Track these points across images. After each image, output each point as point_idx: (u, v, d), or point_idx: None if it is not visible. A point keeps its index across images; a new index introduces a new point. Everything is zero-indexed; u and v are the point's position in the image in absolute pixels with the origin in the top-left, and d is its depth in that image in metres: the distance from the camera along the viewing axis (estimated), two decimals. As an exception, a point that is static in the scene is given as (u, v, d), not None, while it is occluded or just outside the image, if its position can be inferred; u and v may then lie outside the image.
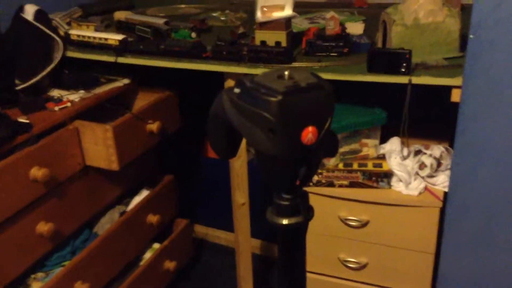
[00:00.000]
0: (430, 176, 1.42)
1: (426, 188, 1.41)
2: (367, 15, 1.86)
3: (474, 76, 1.17)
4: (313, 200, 1.53)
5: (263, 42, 1.48)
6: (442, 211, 1.38)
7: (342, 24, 1.63)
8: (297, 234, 0.47)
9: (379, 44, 1.45)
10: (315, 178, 1.46)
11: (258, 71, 1.41)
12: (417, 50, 1.32)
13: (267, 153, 0.41)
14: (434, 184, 1.42)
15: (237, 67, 1.44)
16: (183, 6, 2.14)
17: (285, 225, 0.46)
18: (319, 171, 1.46)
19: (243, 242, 1.72)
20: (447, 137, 1.54)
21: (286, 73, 0.42)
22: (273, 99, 0.39)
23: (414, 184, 1.41)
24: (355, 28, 1.67)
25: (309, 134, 0.40)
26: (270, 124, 0.39)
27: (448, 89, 1.25)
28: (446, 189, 1.38)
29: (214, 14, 2.00)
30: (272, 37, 1.47)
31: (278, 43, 1.46)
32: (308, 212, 0.46)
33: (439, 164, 1.43)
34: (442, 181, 1.41)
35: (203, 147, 2.24)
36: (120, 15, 1.86)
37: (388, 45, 1.37)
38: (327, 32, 1.57)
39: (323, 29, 1.60)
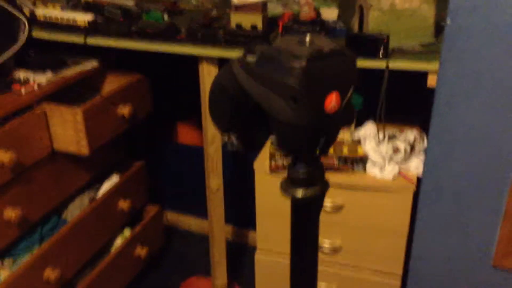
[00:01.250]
0: (404, 160, 1.44)
1: (399, 173, 1.43)
2: (341, 0, 1.86)
3: (450, 62, 1.19)
4: (289, 185, 1.51)
5: (238, 26, 1.45)
6: (415, 195, 1.40)
7: (316, 9, 1.63)
8: (314, 207, 0.46)
9: (356, 29, 1.44)
10: (291, 163, 1.46)
11: (234, 54, 1.39)
12: (393, 35, 1.32)
13: (288, 122, 0.39)
14: (407, 169, 1.44)
15: (213, 50, 1.41)
16: (153, -13, 2.08)
17: (302, 197, 0.44)
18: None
19: (217, 228, 1.71)
20: (421, 122, 1.57)
21: (307, 38, 0.40)
22: (296, 65, 0.36)
23: (388, 169, 1.42)
24: (330, 13, 1.67)
25: (332, 102, 0.38)
26: (292, 92, 0.37)
27: (423, 74, 1.27)
28: (419, 173, 1.41)
29: (186, -4, 1.95)
30: (248, 20, 1.45)
31: (254, 27, 1.44)
32: (325, 184, 0.44)
33: (412, 148, 1.45)
34: (415, 166, 1.43)
35: (174, 133, 2.21)
36: (87, -6, 1.79)
37: (365, 30, 1.38)
38: (302, 17, 1.56)
39: (297, 14, 1.59)
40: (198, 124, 2.22)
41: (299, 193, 0.44)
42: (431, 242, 1.41)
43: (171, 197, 2.23)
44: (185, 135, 2.23)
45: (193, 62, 1.52)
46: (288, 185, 0.44)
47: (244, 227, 2.12)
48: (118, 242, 1.83)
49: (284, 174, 1.45)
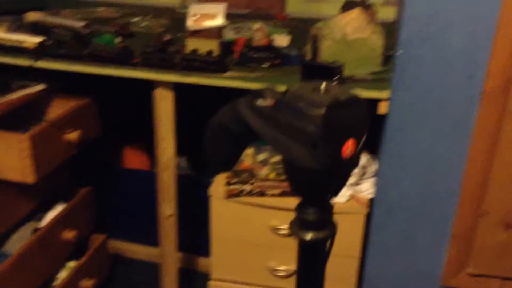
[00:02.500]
0: (356, 183, 1.48)
1: (352, 196, 1.47)
2: (289, 28, 1.91)
3: (401, 90, 1.25)
4: (245, 211, 1.54)
5: (194, 51, 1.46)
6: (367, 217, 1.44)
7: (268, 36, 1.66)
8: (322, 250, 0.45)
9: (308, 57, 1.49)
10: (248, 188, 1.46)
11: (191, 79, 1.39)
12: (345, 64, 1.37)
13: (306, 167, 0.39)
14: (359, 191, 1.48)
15: (169, 75, 1.40)
16: (101, 9, 2.05)
17: (311, 240, 0.44)
18: (252, 181, 1.46)
19: (169, 255, 1.67)
20: (370, 146, 1.62)
21: (323, 86, 0.41)
22: (317, 112, 0.37)
23: (341, 192, 1.46)
24: (282, 40, 1.71)
25: (349, 148, 0.39)
26: (312, 138, 0.38)
27: (372, 101, 1.32)
28: (370, 196, 1.45)
29: (135, 19, 1.94)
30: (204, 46, 1.45)
31: (210, 52, 1.45)
32: (334, 227, 0.45)
33: (363, 171, 1.50)
34: (366, 188, 1.48)
35: (120, 157, 2.15)
36: (33, 16, 1.73)
37: (318, 58, 1.42)
38: (254, 43, 1.59)
39: (250, 40, 1.62)
40: (145, 148, 2.18)
41: (309, 236, 0.44)
42: (382, 264, 1.45)
43: (117, 225, 2.15)
44: (132, 159, 2.17)
45: (141, 85, 1.50)
46: (297, 227, 0.44)
47: (195, 253, 2.08)
48: (63, 274, 1.73)
49: (241, 200, 1.45)
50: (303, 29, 1.89)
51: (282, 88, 0.45)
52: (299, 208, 0.44)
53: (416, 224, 1.35)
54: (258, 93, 0.43)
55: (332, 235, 0.45)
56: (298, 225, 0.44)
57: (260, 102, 0.42)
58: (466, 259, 1.30)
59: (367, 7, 1.80)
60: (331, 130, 0.37)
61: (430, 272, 1.36)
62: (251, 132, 0.44)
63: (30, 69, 1.47)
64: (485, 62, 1.14)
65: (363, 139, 0.40)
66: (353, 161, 0.41)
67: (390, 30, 1.71)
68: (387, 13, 1.98)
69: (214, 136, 0.49)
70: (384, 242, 1.41)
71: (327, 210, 0.44)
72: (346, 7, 1.83)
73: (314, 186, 0.41)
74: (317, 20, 1.87)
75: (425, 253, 1.35)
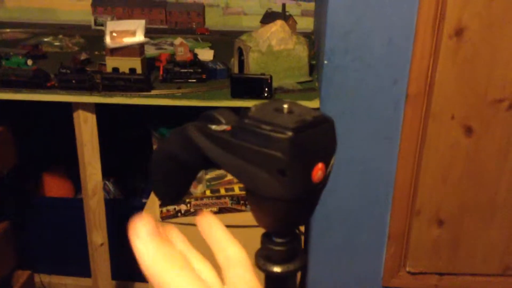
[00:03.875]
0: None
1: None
2: (210, 41, 1.89)
3: (329, 98, 1.27)
4: (182, 231, 1.48)
5: (115, 69, 1.39)
6: (306, 225, 1.45)
7: (191, 50, 1.63)
8: (292, 282, 0.42)
9: (235, 70, 1.47)
10: (183, 208, 1.42)
11: (114, 100, 1.32)
12: (273, 75, 1.37)
13: (273, 196, 0.36)
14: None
15: (90, 96, 1.32)
16: (7, 30, 1.91)
17: (281, 272, 0.41)
18: (187, 200, 1.42)
19: (102, 285, 1.57)
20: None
21: (286, 106, 0.38)
22: (283, 136, 0.34)
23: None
24: (205, 54, 1.69)
25: (319, 171, 0.36)
26: (280, 165, 0.34)
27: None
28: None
29: (46, 39, 1.82)
30: (126, 64, 1.39)
31: (132, 70, 1.39)
32: (303, 257, 0.42)
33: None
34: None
35: (39, 186, 2.01)
36: None
37: (246, 71, 1.41)
38: (178, 58, 1.55)
39: (173, 55, 1.58)
40: (65, 174, 2.06)
41: (278, 269, 0.41)
42: (324, 270, 1.46)
43: (43, 258, 2.01)
44: (52, 187, 2.04)
45: (57, 108, 1.42)
46: (264, 259, 0.41)
47: (129, 280, 1.98)
48: (-16, 319, 1.58)
49: (178, 221, 1.40)
50: (225, 42, 1.88)
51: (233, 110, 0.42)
52: (266, 239, 0.40)
53: (353, 228, 1.37)
54: (210, 117, 0.40)
55: (302, 266, 0.42)
56: (265, 257, 0.41)
57: (215, 127, 0.38)
58: (404, 258, 1.35)
59: (287, 19, 1.83)
60: (300, 155, 0.34)
61: (371, 274, 1.38)
62: (204, 159, 0.40)
63: None
64: (407, 67, 1.18)
65: (333, 160, 0.37)
66: (324, 184, 0.38)
67: (311, 41, 1.74)
68: (305, 24, 2.02)
69: (160, 167, 0.45)
70: (324, 248, 1.42)
71: (296, 239, 0.41)
72: (266, 19, 1.85)
73: (283, 216, 0.38)
74: (237, 33, 1.87)
75: (364, 255, 1.38)
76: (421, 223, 1.29)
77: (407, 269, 1.35)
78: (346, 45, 1.20)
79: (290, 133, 0.33)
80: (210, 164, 0.43)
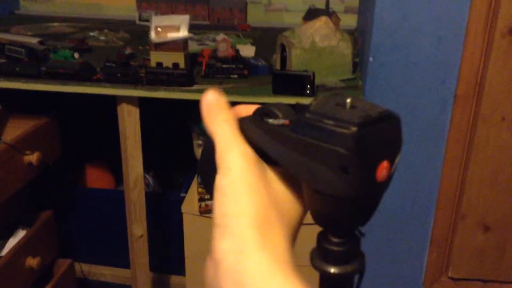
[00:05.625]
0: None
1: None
2: (251, 38, 1.89)
3: (373, 97, 1.24)
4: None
5: (159, 64, 1.41)
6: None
7: (233, 47, 1.63)
8: (347, 285, 0.40)
9: (277, 66, 1.46)
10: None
11: (158, 94, 1.34)
12: (315, 72, 1.36)
13: (334, 194, 0.35)
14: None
15: (135, 90, 1.34)
16: (55, 24, 1.96)
17: (336, 273, 0.39)
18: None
19: (141, 277, 1.60)
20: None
21: (348, 100, 0.36)
22: (348, 131, 0.33)
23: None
24: (247, 50, 1.68)
25: (383, 170, 0.35)
26: (343, 161, 0.33)
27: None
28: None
29: (92, 34, 1.86)
30: (169, 59, 1.40)
31: (175, 65, 1.40)
32: (361, 260, 0.40)
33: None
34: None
35: (81, 177, 2.06)
36: (-19, 33, 1.63)
37: (288, 67, 1.40)
38: (219, 54, 1.55)
39: (215, 51, 1.58)
40: (106, 166, 2.10)
41: (334, 269, 0.39)
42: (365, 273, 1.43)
43: (82, 247, 2.06)
44: (93, 178, 2.08)
45: (101, 101, 1.44)
46: (320, 259, 0.39)
47: (166, 273, 2.00)
48: (27, 304, 1.63)
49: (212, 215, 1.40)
50: (266, 38, 1.88)
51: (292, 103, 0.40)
52: (322, 238, 0.39)
53: (395, 231, 1.34)
54: (266, 111, 0.39)
55: (361, 270, 0.40)
56: (321, 257, 0.39)
57: (272, 121, 0.37)
58: (447, 263, 1.31)
59: (330, 15, 1.80)
60: (364, 152, 0.33)
61: (412, 278, 1.35)
62: (257, 153, 0.39)
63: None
64: (456, 66, 1.14)
65: (398, 158, 0.35)
66: (387, 184, 0.36)
67: (354, 38, 1.71)
68: (348, 21, 1.99)
69: (210, 161, 0.44)
70: (364, 251, 1.40)
71: (355, 240, 0.39)
72: (309, 16, 1.82)
73: (343, 215, 0.37)
74: (279, 29, 1.86)
75: (406, 259, 1.34)
76: (466, 228, 1.25)
77: (449, 274, 1.31)
78: (393, 42, 1.17)
79: (354, 129, 0.32)
80: (264, 159, 0.42)
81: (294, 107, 0.39)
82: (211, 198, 0.45)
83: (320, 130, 0.33)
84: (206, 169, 0.45)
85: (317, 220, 0.38)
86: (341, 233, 0.38)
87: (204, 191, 1.43)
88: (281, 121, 0.37)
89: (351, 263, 0.38)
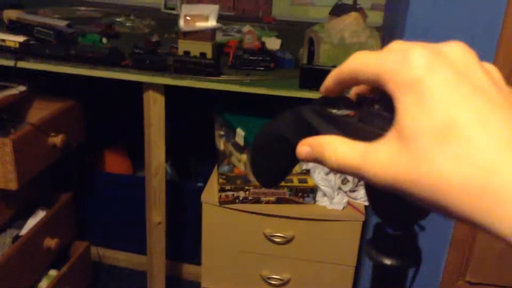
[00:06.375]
0: (352, 190, 1.46)
1: (348, 203, 1.45)
2: (276, 30, 1.88)
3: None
4: (239, 218, 1.50)
5: (186, 53, 1.41)
6: (364, 225, 1.42)
7: (259, 39, 1.63)
8: (401, 277, 0.41)
9: (304, 61, 1.46)
10: (242, 194, 1.42)
11: (185, 82, 1.34)
12: (343, 68, 1.35)
13: None
14: (355, 198, 1.46)
15: (162, 77, 1.35)
16: (82, 8, 1.97)
17: (390, 265, 0.39)
18: (246, 187, 1.42)
19: (157, 264, 1.61)
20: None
21: None
22: None
23: (337, 199, 1.44)
24: (273, 43, 1.68)
25: None
26: None
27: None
28: (366, 203, 1.44)
29: (118, 20, 1.87)
30: (197, 48, 1.40)
31: (203, 54, 1.40)
32: (417, 254, 0.40)
33: (358, 178, 1.48)
34: (362, 195, 1.46)
35: (101, 161, 2.07)
36: (11, 13, 1.64)
37: (316, 62, 1.39)
38: (245, 45, 1.55)
39: (241, 43, 1.58)
40: (126, 152, 2.11)
41: (388, 261, 0.39)
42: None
43: (99, 231, 2.08)
44: (112, 163, 2.10)
45: (125, 87, 1.45)
46: (376, 251, 0.39)
47: (181, 261, 2.02)
48: (44, 283, 1.65)
49: (234, 206, 1.41)
50: (291, 32, 1.87)
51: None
52: (379, 230, 0.39)
53: (416, 230, 1.34)
54: (329, 101, 0.39)
55: (417, 264, 0.40)
56: (377, 247, 0.39)
57: (336, 111, 0.37)
58: (465, 267, 1.30)
59: (358, 11, 1.79)
60: None
61: (429, 280, 1.35)
62: None
63: (9, 69, 1.39)
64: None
65: None
66: None
67: (381, 35, 1.70)
68: (374, 18, 1.97)
69: (265, 149, 0.44)
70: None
71: (413, 234, 0.40)
72: (336, 11, 1.81)
73: (404, 207, 0.37)
74: (304, 23, 1.85)
75: (425, 261, 1.34)
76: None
77: (467, 278, 1.31)
78: (425, 41, 1.16)
79: None
80: None
81: (346, 99, 0.39)
82: (265, 187, 0.45)
83: (389, 120, 0.33)
84: (261, 156, 0.45)
85: (377, 211, 0.38)
86: (399, 226, 0.38)
87: (224, 181, 1.44)
88: (345, 112, 0.37)
89: (407, 257, 0.38)
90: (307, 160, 0.35)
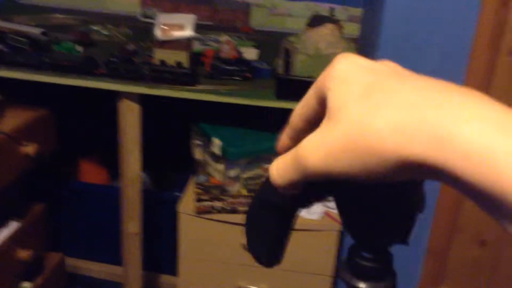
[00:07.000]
0: (328, 200, 1.46)
1: (325, 212, 1.45)
2: (254, 40, 1.89)
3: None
4: (216, 228, 1.48)
5: (163, 62, 1.40)
6: (340, 234, 1.43)
7: (237, 49, 1.63)
8: None
9: (281, 71, 1.47)
10: (219, 204, 1.42)
11: (161, 92, 1.33)
12: (319, 79, 1.36)
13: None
14: (332, 208, 1.47)
15: (138, 86, 1.34)
16: (58, 16, 1.94)
17: None
18: (222, 197, 1.42)
19: (133, 275, 1.59)
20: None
21: None
22: None
23: (314, 208, 1.44)
24: (250, 53, 1.68)
25: None
26: None
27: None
28: (343, 213, 1.44)
29: (94, 27, 1.85)
30: (173, 57, 1.40)
31: (179, 64, 1.40)
32: (392, 278, 0.39)
33: (335, 188, 1.49)
34: (339, 205, 1.46)
35: (76, 171, 2.04)
36: (-16, 20, 1.61)
37: (292, 72, 1.40)
38: (222, 55, 1.55)
39: (218, 52, 1.58)
40: (101, 161, 2.08)
41: (364, 285, 0.38)
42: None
43: (73, 242, 2.04)
44: (87, 173, 2.07)
45: (100, 96, 1.43)
46: (350, 275, 0.38)
47: (158, 271, 1.99)
48: (16, 297, 1.61)
49: (211, 217, 1.40)
50: (268, 42, 1.88)
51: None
52: (354, 252, 0.38)
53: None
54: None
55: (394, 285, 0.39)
56: (352, 271, 0.39)
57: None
58: (441, 276, 1.31)
59: (334, 23, 1.81)
60: None
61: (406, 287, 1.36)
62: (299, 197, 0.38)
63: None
64: (460, 83, 1.15)
65: None
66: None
67: (357, 47, 1.72)
68: (351, 29, 1.99)
69: (258, 220, 0.42)
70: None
71: (389, 257, 0.39)
72: (313, 22, 1.82)
73: (380, 226, 0.37)
74: (281, 34, 1.86)
75: (400, 270, 1.34)
76: (461, 241, 1.25)
77: (444, 287, 1.32)
78: (399, 55, 1.18)
79: None
80: (305, 202, 0.40)
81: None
82: (264, 265, 0.41)
83: None
84: (254, 228, 0.42)
85: (352, 232, 0.37)
86: (375, 248, 0.37)
87: (201, 191, 1.43)
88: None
89: (382, 280, 0.37)
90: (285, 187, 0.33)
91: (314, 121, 0.32)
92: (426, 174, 0.25)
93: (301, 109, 0.34)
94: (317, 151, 0.28)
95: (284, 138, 0.36)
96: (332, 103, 0.29)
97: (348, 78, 0.29)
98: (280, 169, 0.31)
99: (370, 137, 0.26)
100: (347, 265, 0.38)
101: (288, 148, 0.34)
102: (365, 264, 0.36)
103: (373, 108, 0.26)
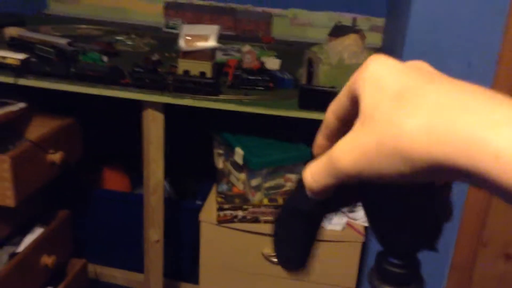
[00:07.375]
0: (351, 211, 1.46)
1: (347, 223, 1.44)
2: (275, 50, 1.89)
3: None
4: (237, 237, 1.49)
5: (186, 72, 1.42)
6: (363, 246, 1.42)
7: (258, 59, 1.64)
8: None
9: (303, 81, 1.47)
10: (241, 214, 1.42)
11: (185, 101, 1.35)
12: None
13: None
14: (354, 219, 1.46)
15: (161, 96, 1.35)
16: (83, 26, 1.98)
17: None
18: (245, 206, 1.42)
19: (154, 282, 1.60)
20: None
21: None
22: None
23: (336, 219, 1.43)
24: (272, 63, 1.69)
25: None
26: None
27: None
28: (366, 224, 1.43)
29: (119, 38, 1.88)
30: (197, 67, 1.41)
31: (202, 74, 1.41)
32: (422, 283, 0.40)
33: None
34: (362, 216, 1.46)
35: (98, 178, 2.07)
36: (12, 31, 1.66)
37: (315, 83, 1.40)
38: (245, 65, 1.56)
39: (240, 62, 1.59)
40: (123, 170, 2.11)
41: None
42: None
43: (96, 248, 2.06)
44: (110, 181, 2.10)
45: (123, 104, 1.45)
46: (379, 281, 0.39)
47: (179, 280, 2.00)
48: (39, 302, 1.64)
49: (233, 226, 1.40)
50: (290, 52, 1.88)
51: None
52: (382, 258, 0.39)
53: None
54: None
55: None
56: (380, 277, 0.39)
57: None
58: (465, 290, 1.29)
59: (357, 32, 1.81)
60: None
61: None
62: (325, 204, 0.38)
63: (10, 86, 1.40)
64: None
65: None
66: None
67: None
68: (373, 39, 1.99)
69: (285, 227, 0.43)
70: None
71: (416, 263, 0.39)
72: (335, 32, 1.83)
73: (414, 234, 0.37)
74: (303, 44, 1.87)
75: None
76: (487, 255, 1.23)
77: (467, 301, 1.30)
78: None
79: None
80: (329, 209, 0.41)
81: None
82: (288, 270, 0.42)
83: None
84: (282, 234, 0.43)
85: (380, 238, 0.38)
86: (402, 254, 0.38)
87: (223, 200, 1.44)
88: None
89: (410, 286, 0.38)
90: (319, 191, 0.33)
91: (348, 120, 0.33)
92: (457, 175, 0.26)
93: (334, 108, 0.35)
94: (350, 152, 0.29)
95: (319, 138, 0.37)
96: (364, 105, 0.30)
97: (380, 80, 0.30)
98: (314, 174, 0.32)
99: (401, 138, 0.26)
100: (376, 271, 0.38)
101: (324, 148, 0.35)
102: (393, 270, 0.37)
103: (404, 110, 0.27)
